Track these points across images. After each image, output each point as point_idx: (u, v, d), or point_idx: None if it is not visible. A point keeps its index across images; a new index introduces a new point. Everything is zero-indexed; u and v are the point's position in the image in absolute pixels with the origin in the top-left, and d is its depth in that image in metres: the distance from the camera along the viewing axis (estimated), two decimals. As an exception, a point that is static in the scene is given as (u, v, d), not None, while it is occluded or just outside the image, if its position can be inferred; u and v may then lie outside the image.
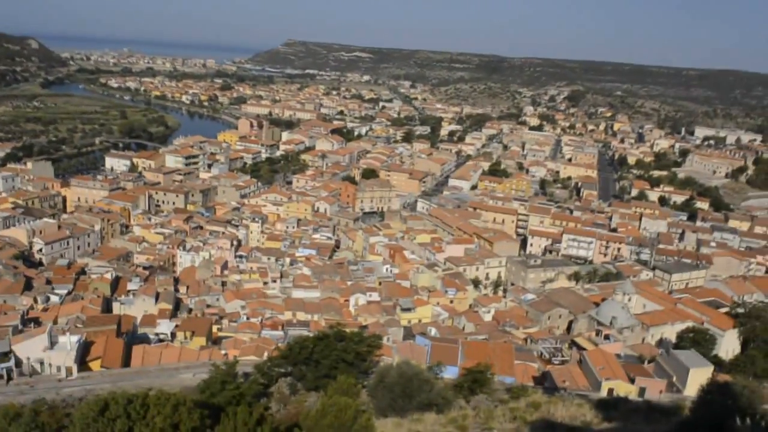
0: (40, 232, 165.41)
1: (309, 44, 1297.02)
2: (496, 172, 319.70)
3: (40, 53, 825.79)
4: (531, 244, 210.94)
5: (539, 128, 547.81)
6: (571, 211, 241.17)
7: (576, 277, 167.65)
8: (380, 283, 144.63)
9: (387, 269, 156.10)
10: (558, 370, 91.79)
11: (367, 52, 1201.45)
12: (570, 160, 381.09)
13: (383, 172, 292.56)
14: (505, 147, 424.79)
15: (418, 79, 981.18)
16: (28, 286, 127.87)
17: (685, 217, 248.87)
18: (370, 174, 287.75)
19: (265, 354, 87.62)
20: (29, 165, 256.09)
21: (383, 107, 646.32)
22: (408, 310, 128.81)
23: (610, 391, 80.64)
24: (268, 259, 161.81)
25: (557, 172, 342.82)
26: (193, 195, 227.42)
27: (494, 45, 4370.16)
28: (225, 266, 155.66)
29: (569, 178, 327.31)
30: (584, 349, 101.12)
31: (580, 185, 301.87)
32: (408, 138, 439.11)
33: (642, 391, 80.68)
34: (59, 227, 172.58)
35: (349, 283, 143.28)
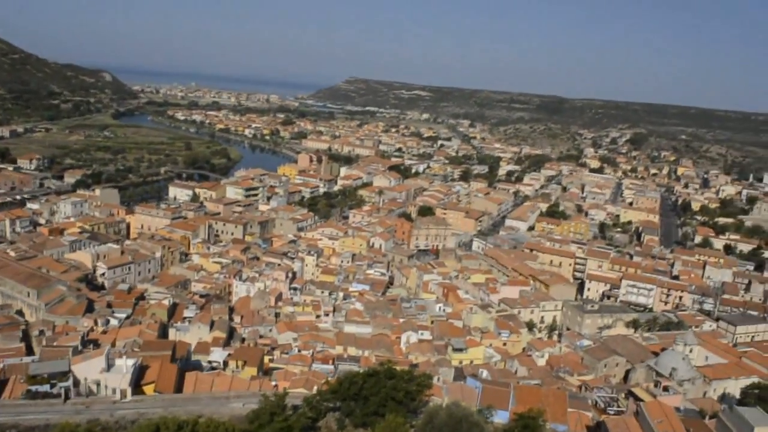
0: (104, 257, 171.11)
1: (370, 82, 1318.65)
2: (554, 213, 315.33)
3: (113, 86, 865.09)
4: (588, 289, 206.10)
5: (600, 170, 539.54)
6: (631, 257, 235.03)
7: (635, 324, 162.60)
8: (432, 322, 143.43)
9: (440, 308, 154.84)
10: (613, 420, 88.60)
11: (427, 91, 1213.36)
12: (631, 204, 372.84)
13: (439, 210, 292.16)
14: (564, 189, 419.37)
15: (478, 118, 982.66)
16: (89, 308, 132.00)
17: (752, 267, 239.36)
18: (426, 211, 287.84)
19: (315, 387, 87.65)
20: (97, 192, 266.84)
21: (441, 145, 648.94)
22: (460, 350, 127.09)
23: (669, 445, 77.28)
24: (322, 292, 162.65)
25: (617, 215, 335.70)
26: (251, 226, 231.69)
27: (555, 86, 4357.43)
28: (279, 298, 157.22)
29: (630, 222, 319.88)
30: (641, 400, 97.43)
31: (641, 230, 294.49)
32: (465, 177, 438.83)
33: (703, 448, 77.08)
34: (122, 253, 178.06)
35: (401, 320, 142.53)
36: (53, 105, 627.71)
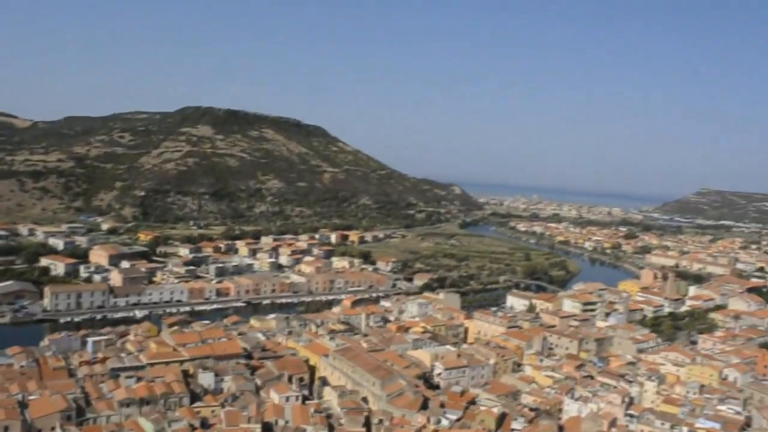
0: (442, 358, 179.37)
1: (725, 193, 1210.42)
2: None
3: (461, 198, 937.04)
4: None
5: None
6: None
7: None
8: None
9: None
10: None
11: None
12: None
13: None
14: None
15: None
16: (424, 405, 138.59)
17: None
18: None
19: None
20: (441, 295, 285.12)
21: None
22: None
23: None
24: (662, 424, 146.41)
25: None
26: (587, 342, 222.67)
27: None
28: (613, 423, 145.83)
29: None
30: None
31: None
32: None
33: None
34: (458, 356, 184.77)
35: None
36: (409, 215, 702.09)
